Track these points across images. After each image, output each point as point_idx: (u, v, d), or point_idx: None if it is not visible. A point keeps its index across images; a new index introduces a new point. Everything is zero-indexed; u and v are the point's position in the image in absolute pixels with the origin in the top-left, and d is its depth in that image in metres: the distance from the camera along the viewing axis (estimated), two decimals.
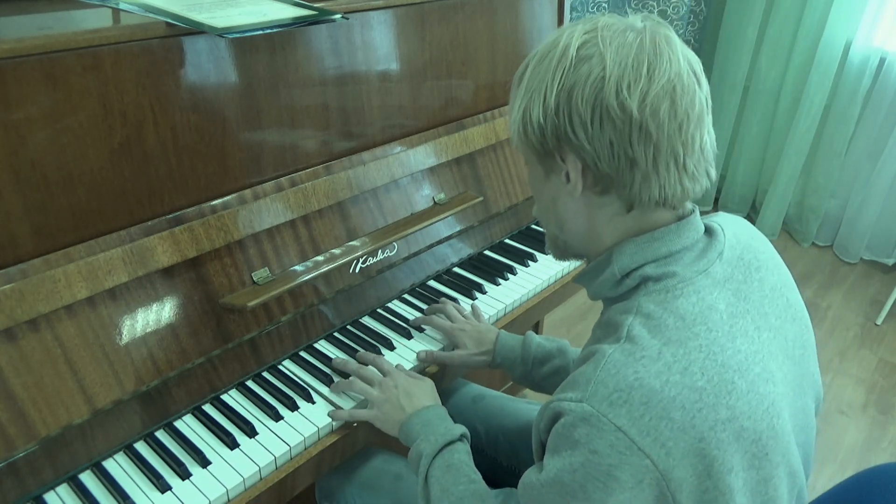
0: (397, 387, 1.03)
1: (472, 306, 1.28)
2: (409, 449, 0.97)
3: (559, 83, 0.70)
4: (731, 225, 0.83)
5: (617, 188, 0.73)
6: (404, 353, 1.17)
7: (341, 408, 1.04)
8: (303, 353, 1.16)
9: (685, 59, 0.71)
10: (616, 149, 0.70)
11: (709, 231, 0.79)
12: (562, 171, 0.75)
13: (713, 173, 0.75)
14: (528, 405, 1.27)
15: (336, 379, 1.09)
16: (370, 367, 1.09)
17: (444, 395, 1.29)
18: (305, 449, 1.00)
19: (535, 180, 0.80)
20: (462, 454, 0.93)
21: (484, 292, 1.35)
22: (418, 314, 1.26)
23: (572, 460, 0.67)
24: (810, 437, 0.84)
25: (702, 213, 0.81)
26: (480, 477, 0.92)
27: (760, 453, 0.71)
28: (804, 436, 0.82)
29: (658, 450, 0.65)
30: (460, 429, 0.97)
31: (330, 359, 1.14)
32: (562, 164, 0.74)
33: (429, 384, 1.05)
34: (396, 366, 1.10)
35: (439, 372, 1.17)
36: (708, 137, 0.74)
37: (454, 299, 1.29)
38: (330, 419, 1.02)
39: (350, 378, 1.07)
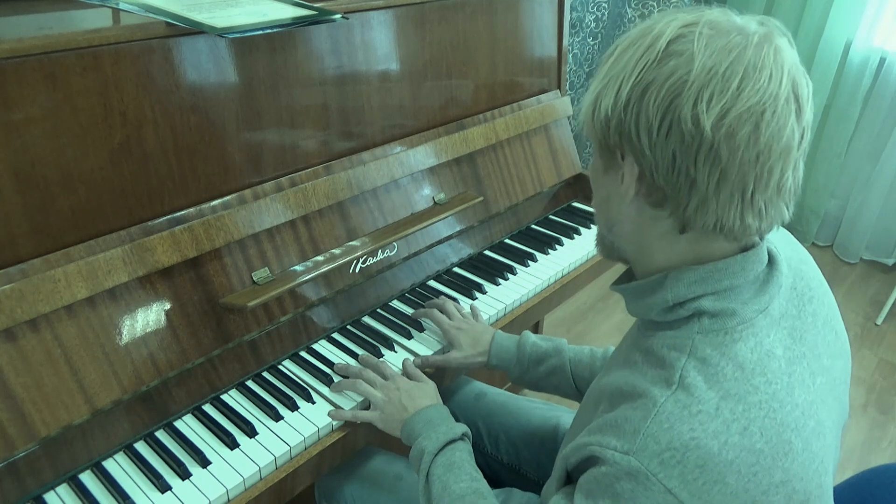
0: (399, 389, 1.03)
1: (472, 307, 1.28)
2: (409, 449, 0.97)
3: (637, 76, 0.63)
4: (782, 246, 0.77)
5: (671, 205, 0.66)
6: (404, 354, 1.17)
7: (341, 407, 1.04)
8: (303, 353, 1.16)
9: (791, 80, 0.62)
10: (678, 164, 0.63)
11: (769, 258, 0.72)
12: (619, 171, 0.68)
13: (787, 213, 0.67)
14: (530, 403, 1.27)
15: (336, 379, 1.09)
16: (371, 373, 1.08)
17: (446, 392, 1.29)
18: (305, 449, 1.00)
19: (595, 171, 0.74)
20: (463, 452, 0.93)
21: (484, 292, 1.34)
22: None
23: None
24: (835, 470, 0.80)
25: None
26: (481, 475, 0.91)
27: None
28: (833, 471, 0.78)
29: None
30: (462, 427, 0.97)
31: (330, 360, 1.14)
32: (620, 163, 0.68)
33: (431, 386, 1.06)
34: (403, 360, 1.12)
35: (438, 372, 1.17)
36: (791, 174, 0.65)
37: (454, 299, 1.29)
38: (330, 419, 1.02)
39: (352, 378, 1.07)
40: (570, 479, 0.74)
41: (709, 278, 0.68)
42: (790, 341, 0.70)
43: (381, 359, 1.14)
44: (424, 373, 1.12)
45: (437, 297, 1.29)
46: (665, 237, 0.69)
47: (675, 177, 0.63)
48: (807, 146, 0.66)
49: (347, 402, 1.05)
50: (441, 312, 1.22)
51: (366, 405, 1.05)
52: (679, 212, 0.66)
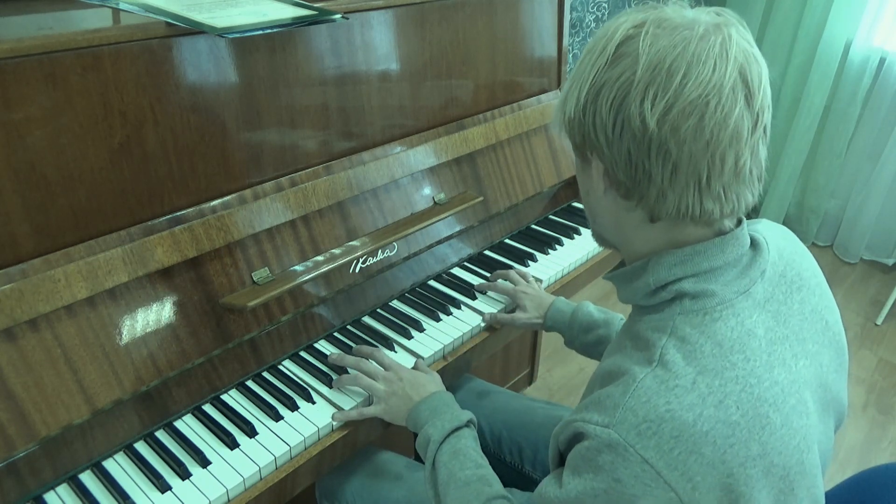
0: (402, 379, 1.04)
1: (530, 276, 1.35)
2: (410, 447, 0.97)
3: (591, 80, 0.67)
4: (775, 237, 0.79)
5: (635, 197, 0.69)
6: (404, 354, 1.17)
7: (342, 406, 1.04)
8: (303, 353, 1.16)
9: (737, 67, 0.63)
10: (633, 160, 0.66)
11: (754, 244, 0.74)
12: (590, 167, 0.72)
13: (751, 195, 0.69)
14: (532, 402, 1.27)
15: (335, 378, 1.09)
16: (371, 364, 1.09)
17: (449, 390, 1.29)
18: (305, 449, 1.00)
19: (576, 168, 0.78)
20: (469, 440, 0.94)
21: (484, 292, 1.34)
22: (418, 314, 1.26)
23: (594, 485, 0.66)
24: (827, 460, 0.82)
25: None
26: (487, 461, 0.93)
27: (787, 489, 0.69)
28: (824, 459, 0.80)
29: (685, 484, 0.63)
30: (467, 414, 0.98)
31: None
32: (590, 160, 0.72)
33: (435, 375, 1.07)
34: (416, 362, 1.13)
35: (449, 366, 1.19)
36: (750, 159, 0.66)
37: (454, 299, 1.30)
38: (331, 419, 1.02)
39: (353, 374, 1.07)
40: (562, 460, 0.76)
41: (687, 261, 0.70)
42: (773, 323, 0.72)
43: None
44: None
45: (438, 297, 1.29)
46: (640, 226, 0.72)
47: (633, 171, 0.67)
48: (766, 128, 0.68)
49: (348, 401, 1.05)
50: (506, 281, 1.31)
51: (367, 399, 1.05)
52: (644, 203, 0.69)
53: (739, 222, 0.73)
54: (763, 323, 0.71)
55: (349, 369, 1.09)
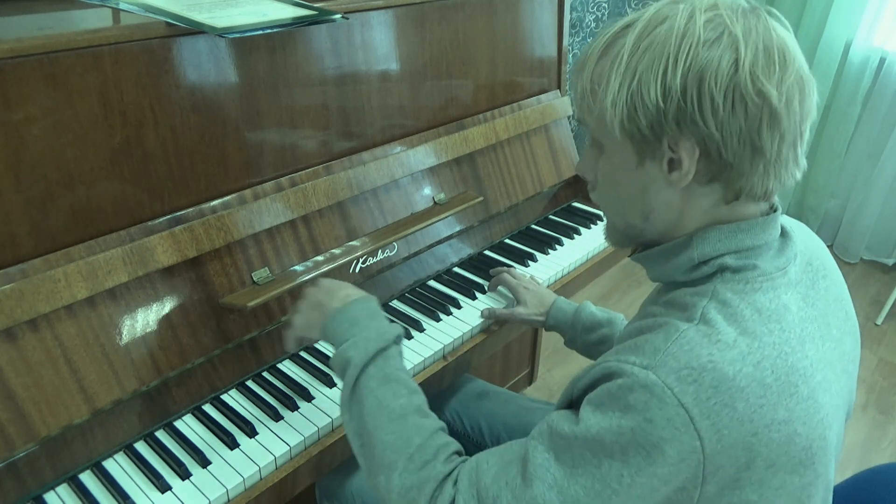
0: (319, 286, 0.94)
1: (531, 277, 1.35)
2: None
3: (685, 64, 0.65)
4: (798, 229, 0.82)
5: (729, 177, 0.69)
6: (404, 353, 1.17)
7: (329, 416, 1.01)
8: (303, 353, 1.16)
9: (799, 49, 0.70)
10: (743, 136, 0.67)
11: (783, 232, 0.77)
12: (664, 159, 0.70)
13: (806, 164, 0.74)
14: (532, 403, 1.27)
15: (335, 378, 1.09)
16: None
17: (449, 390, 1.29)
18: (305, 449, 1.00)
19: (619, 168, 0.74)
20: (398, 360, 0.85)
21: (484, 292, 1.34)
22: (418, 314, 1.26)
23: (621, 422, 0.65)
24: (839, 451, 0.82)
25: None
26: (418, 387, 0.85)
27: (808, 461, 0.70)
28: (836, 448, 0.80)
29: (712, 435, 0.64)
30: (395, 329, 0.88)
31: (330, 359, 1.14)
32: (667, 151, 0.69)
33: (353, 286, 0.96)
34: None
35: (449, 366, 1.18)
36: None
37: (454, 299, 1.30)
38: (331, 419, 1.02)
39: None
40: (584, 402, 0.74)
41: (732, 237, 0.72)
42: (803, 304, 0.74)
43: None
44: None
45: (438, 298, 1.29)
46: (708, 210, 0.73)
47: (742, 148, 0.67)
48: None
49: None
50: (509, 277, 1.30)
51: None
52: (740, 181, 0.70)
53: (774, 210, 0.76)
54: (795, 302, 0.73)
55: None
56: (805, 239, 0.81)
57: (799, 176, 0.73)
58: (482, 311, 1.25)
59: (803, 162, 0.73)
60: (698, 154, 0.68)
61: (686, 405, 0.63)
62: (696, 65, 0.65)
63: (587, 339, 1.17)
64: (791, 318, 0.71)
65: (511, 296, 1.29)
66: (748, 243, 0.72)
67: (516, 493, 0.70)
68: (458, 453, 0.80)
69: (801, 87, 0.68)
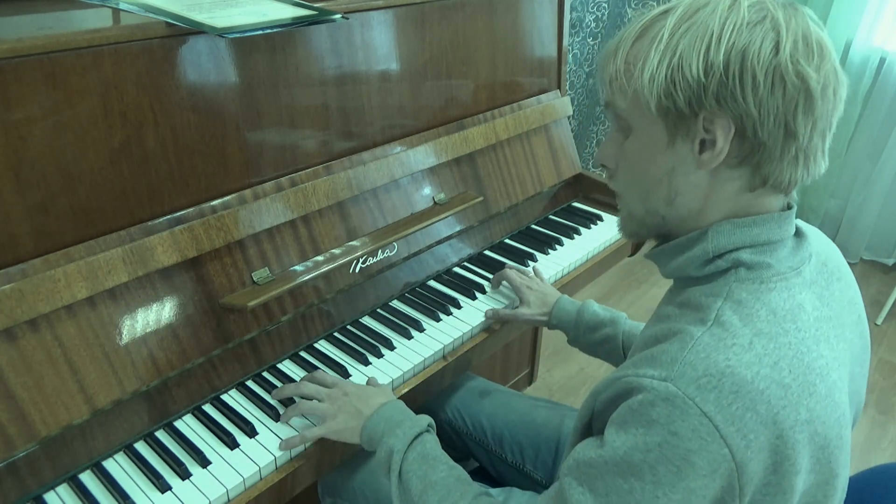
0: (347, 394, 1.00)
1: (534, 268, 1.36)
2: None
3: (729, 40, 0.66)
4: (812, 232, 0.82)
5: (759, 161, 0.69)
6: (404, 353, 1.17)
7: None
8: (303, 353, 1.16)
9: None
10: (779, 117, 0.67)
11: (797, 231, 0.77)
12: (696, 138, 0.70)
13: (818, 170, 0.75)
14: (534, 402, 1.27)
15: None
16: (311, 385, 1.03)
17: (450, 388, 1.29)
18: (305, 449, 1.00)
19: (647, 150, 0.74)
20: (433, 443, 0.92)
21: (484, 292, 1.34)
22: (418, 314, 1.26)
23: (647, 439, 0.64)
24: (849, 451, 0.82)
25: None
26: (457, 464, 0.90)
27: (825, 459, 0.70)
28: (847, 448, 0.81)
29: (739, 441, 0.63)
30: (426, 419, 0.95)
31: (330, 358, 1.14)
32: (701, 130, 0.69)
33: (383, 387, 1.04)
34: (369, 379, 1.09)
35: (449, 366, 1.18)
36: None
37: (454, 299, 1.30)
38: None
39: (295, 403, 1.01)
40: (591, 430, 0.75)
41: (748, 230, 0.72)
42: (819, 303, 0.74)
43: (367, 366, 1.13)
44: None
45: (438, 298, 1.29)
46: (729, 199, 0.73)
47: (776, 129, 0.68)
48: None
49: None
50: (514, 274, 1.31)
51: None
52: (770, 165, 0.70)
53: (790, 207, 0.76)
54: (810, 301, 0.73)
55: (286, 393, 1.04)
56: (820, 241, 0.82)
57: (824, 169, 0.74)
58: (486, 312, 1.26)
59: (827, 160, 0.74)
60: (733, 133, 0.68)
61: (709, 413, 0.63)
62: (740, 43, 0.66)
63: (590, 338, 1.17)
64: (806, 318, 0.71)
65: (513, 295, 1.30)
66: (764, 237, 0.72)
67: None
68: None
69: (837, 77, 0.69)
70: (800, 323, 0.70)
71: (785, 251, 0.73)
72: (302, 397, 1.03)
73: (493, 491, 0.90)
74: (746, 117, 0.67)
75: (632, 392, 0.67)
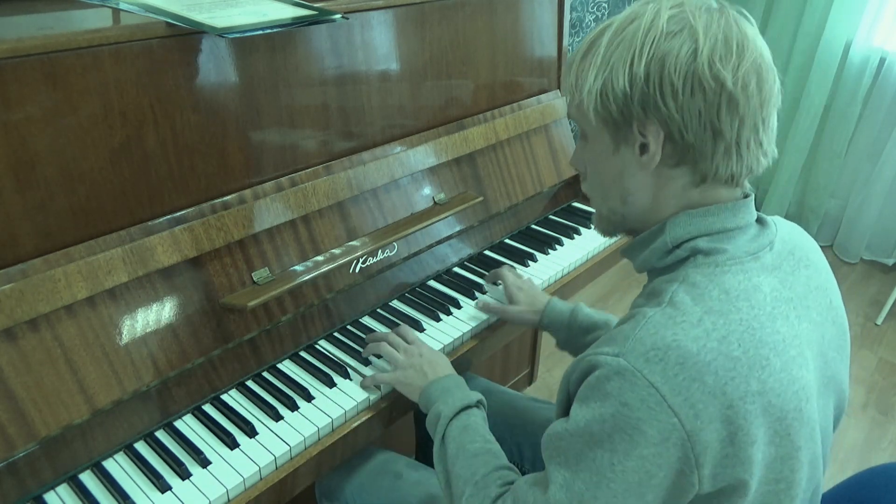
0: (422, 355, 1.07)
1: (529, 279, 1.36)
2: (410, 447, 0.97)
3: (649, 53, 0.71)
4: (785, 225, 0.85)
5: (694, 160, 0.74)
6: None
7: (343, 407, 1.04)
8: (303, 353, 1.16)
9: (763, 42, 0.75)
10: (703, 119, 0.71)
11: (761, 221, 0.81)
12: (636, 143, 0.75)
13: (765, 161, 0.78)
14: (534, 402, 1.27)
15: (335, 378, 1.09)
16: (395, 337, 1.12)
17: None
18: (305, 449, 1.00)
19: (600, 155, 0.80)
20: (478, 418, 0.96)
21: (484, 292, 1.34)
22: (418, 314, 1.26)
23: (602, 411, 0.69)
24: (827, 440, 0.85)
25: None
26: (494, 439, 0.94)
27: (783, 431, 0.72)
28: (825, 439, 0.83)
29: (687, 410, 0.66)
30: (477, 395, 1.00)
31: (330, 358, 1.14)
32: (637, 136, 0.75)
33: (447, 360, 1.10)
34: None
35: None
36: (776, 119, 0.77)
37: (454, 299, 1.30)
38: (329, 418, 1.02)
39: (378, 341, 1.12)
40: (569, 407, 0.78)
41: (701, 220, 0.76)
42: (780, 286, 0.77)
43: (367, 366, 1.14)
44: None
45: (438, 297, 1.29)
46: (679, 193, 0.77)
47: (703, 130, 0.72)
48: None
49: (348, 401, 1.05)
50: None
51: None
52: (704, 163, 0.74)
53: (746, 196, 0.80)
54: (769, 284, 0.76)
55: (377, 339, 1.13)
56: (792, 233, 0.84)
57: (766, 162, 0.77)
58: (476, 302, 1.28)
59: (772, 149, 0.77)
60: (663, 137, 0.73)
61: (655, 384, 0.67)
62: (659, 53, 0.71)
63: (584, 340, 1.17)
64: (761, 298, 0.74)
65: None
66: (718, 226, 0.76)
67: (538, 501, 0.75)
68: (514, 482, 0.86)
69: (759, 73, 0.72)
70: (754, 301, 0.73)
71: (744, 238, 0.77)
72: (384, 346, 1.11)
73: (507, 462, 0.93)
74: (671, 122, 0.72)
75: (592, 369, 0.72)
